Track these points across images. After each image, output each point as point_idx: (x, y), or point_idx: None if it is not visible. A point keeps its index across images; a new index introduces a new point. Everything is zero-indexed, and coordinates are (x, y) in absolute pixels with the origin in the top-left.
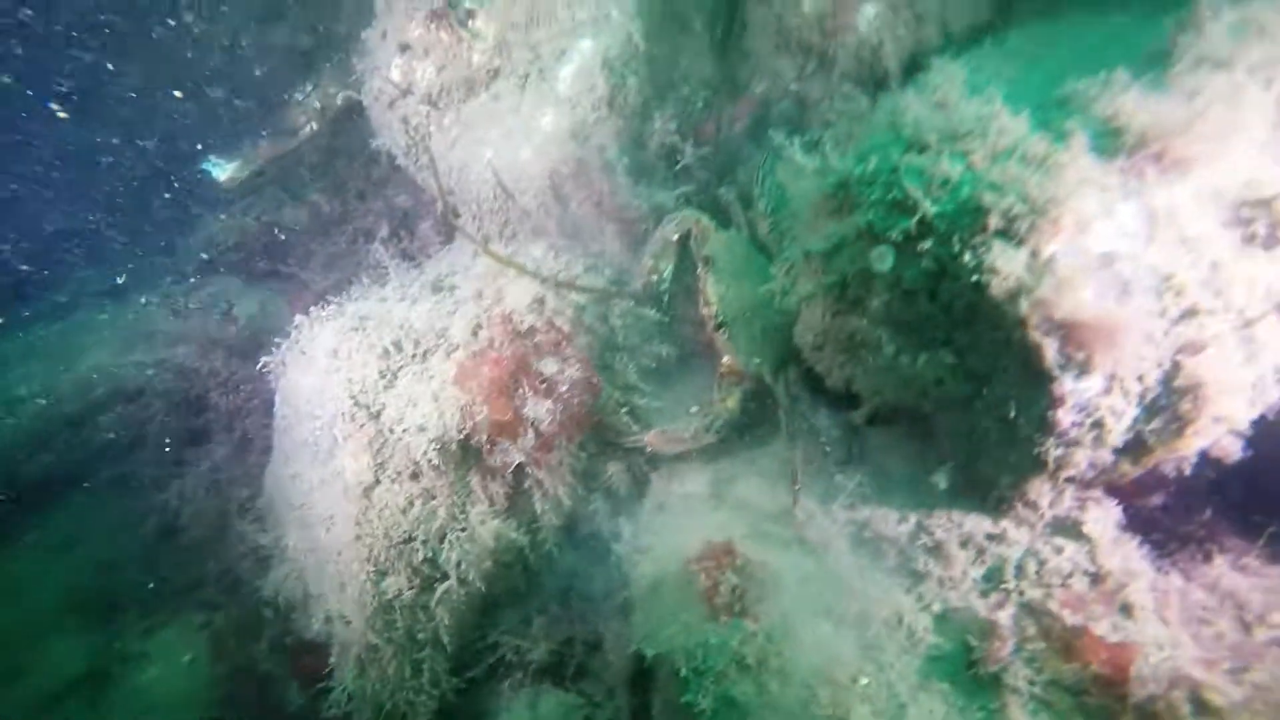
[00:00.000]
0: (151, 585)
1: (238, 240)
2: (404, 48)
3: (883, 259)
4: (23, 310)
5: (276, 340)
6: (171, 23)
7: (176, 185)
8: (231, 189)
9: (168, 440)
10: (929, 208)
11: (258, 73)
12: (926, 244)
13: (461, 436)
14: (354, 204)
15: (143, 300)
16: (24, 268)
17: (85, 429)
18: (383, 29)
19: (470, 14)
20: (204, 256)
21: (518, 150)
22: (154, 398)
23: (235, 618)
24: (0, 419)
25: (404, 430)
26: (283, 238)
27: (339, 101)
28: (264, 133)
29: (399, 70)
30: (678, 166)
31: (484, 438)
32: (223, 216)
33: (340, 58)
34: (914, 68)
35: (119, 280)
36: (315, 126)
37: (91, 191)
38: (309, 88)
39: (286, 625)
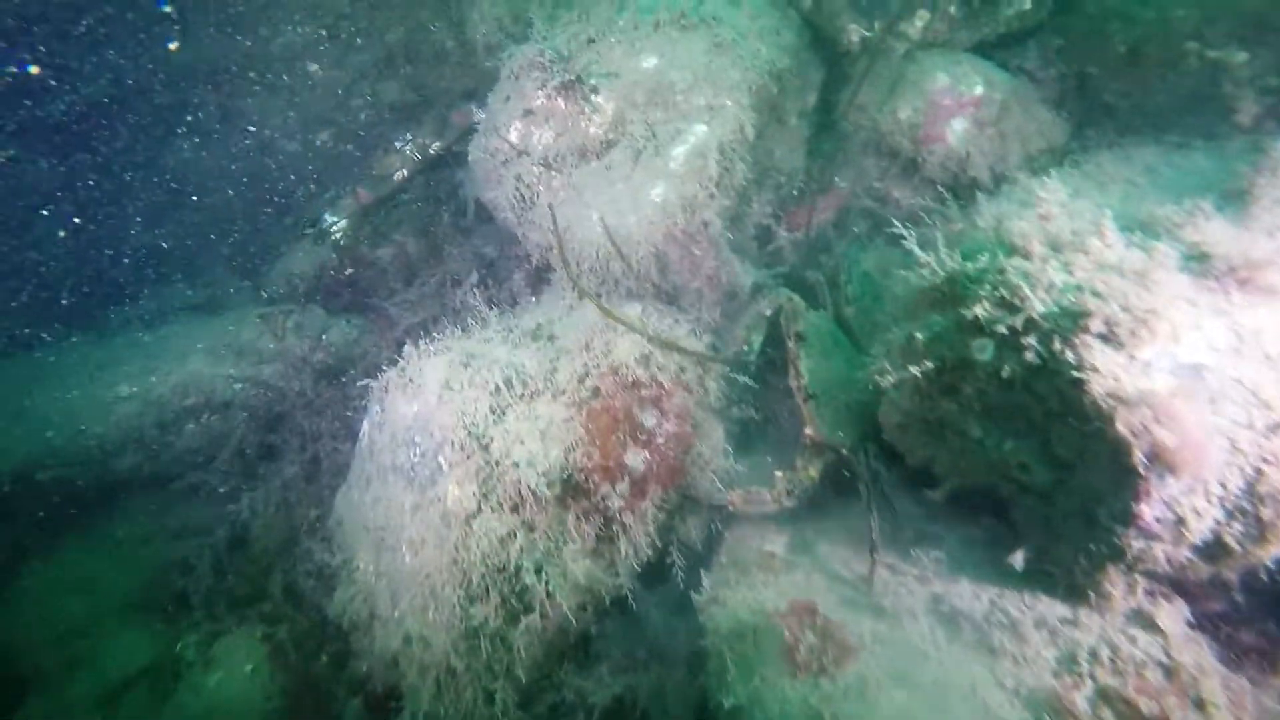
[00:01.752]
0: (217, 592)
1: (325, 272)
2: (526, 113)
3: (984, 350)
4: (119, 315)
5: (364, 367)
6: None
7: (272, 216)
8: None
9: (245, 452)
10: (1036, 307)
11: (363, 118)
12: (1029, 340)
13: (565, 475)
14: (441, 249)
15: (236, 318)
16: (121, 278)
17: (173, 433)
18: (506, 94)
19: (594, 89)
20: (291, 284)
21: (624, 216)
22: (239, 411)
23: (298, 633)
24: (103, 413)
25: (512, 463)
26: (369, 273)
27: (432, 152)
28: (360, 178)
29: (517, 133)
30: (770, 247)
31: (586, 479)
32: (312, 248)
33: (438, 113)
34: (996, 179)
35: (208, 297)
36: (407, 173)
37: (193, 214)
38: (408, 137)
39: (348, 644)
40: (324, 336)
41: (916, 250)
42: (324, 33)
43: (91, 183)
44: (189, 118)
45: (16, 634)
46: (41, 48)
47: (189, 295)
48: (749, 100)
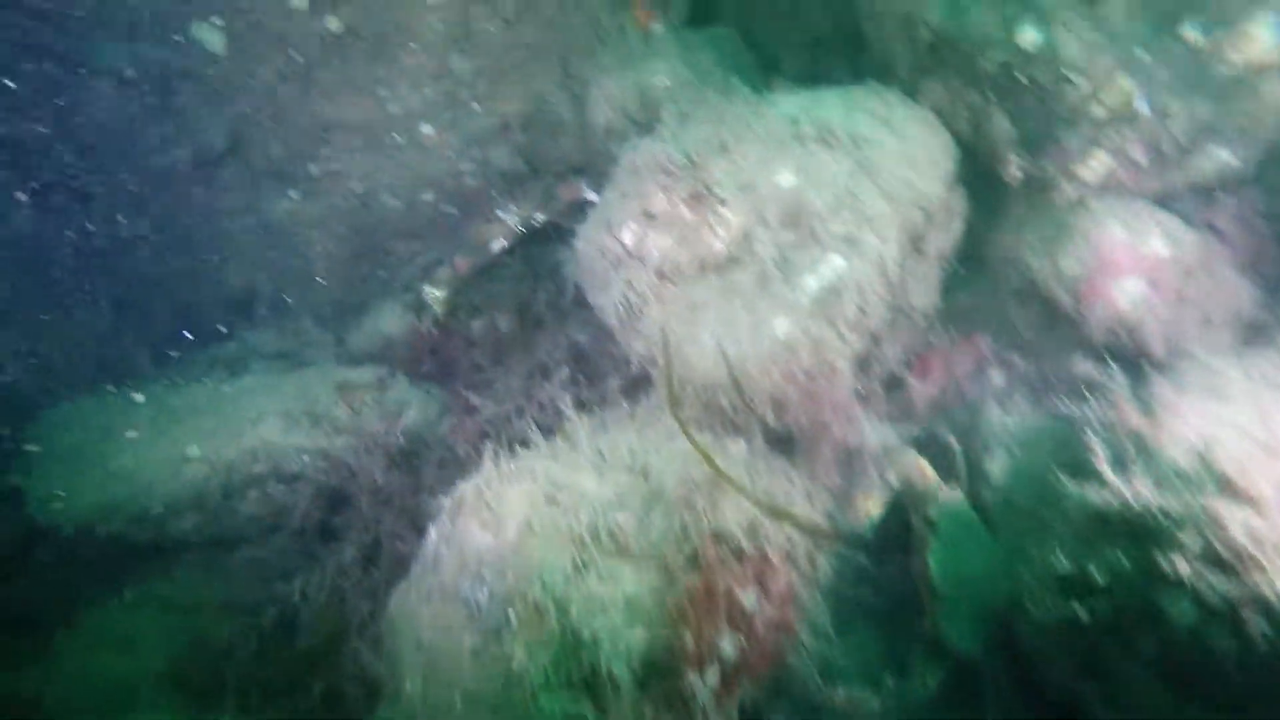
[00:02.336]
0: (255, 680)
1: (413, 337)
2: (645, 215)
3: (1183, 613)
4: (204, 357)
5: (439, 458)
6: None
7: (367, 271)
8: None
9: (305, 530)
10: (1268, 581)
11: (470, 182)
12: (1253, 615)
13: (649, 659)
14: (534, 331)
15: (317, 376)
16: (215, 321)
17: (236, 499)
18: (624, 190)
19: (723, 201)
20: (377, 343)
21: (742, 345)
22: (305, 484)
23: None
24: (172, 473)
25: (591, 637)
26: (456, 344)
27: (535, 224)
28: (459, 245)
29: (632, 234)
30: (898, 398)
31: (672, 663)
32: (402, 311)
33: (545, 184)
34: (1170, 351)
35: (293, 347)
36: (506, 244)
37: (289, 261)
38: (511, 207)
39: None
40: (402, 417)
41: (1105, 469)
42: (443, 97)
43: (191, 226)
44: (297, 169)
45: (54, 686)
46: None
47: (274, 343)
48: (894, 235)
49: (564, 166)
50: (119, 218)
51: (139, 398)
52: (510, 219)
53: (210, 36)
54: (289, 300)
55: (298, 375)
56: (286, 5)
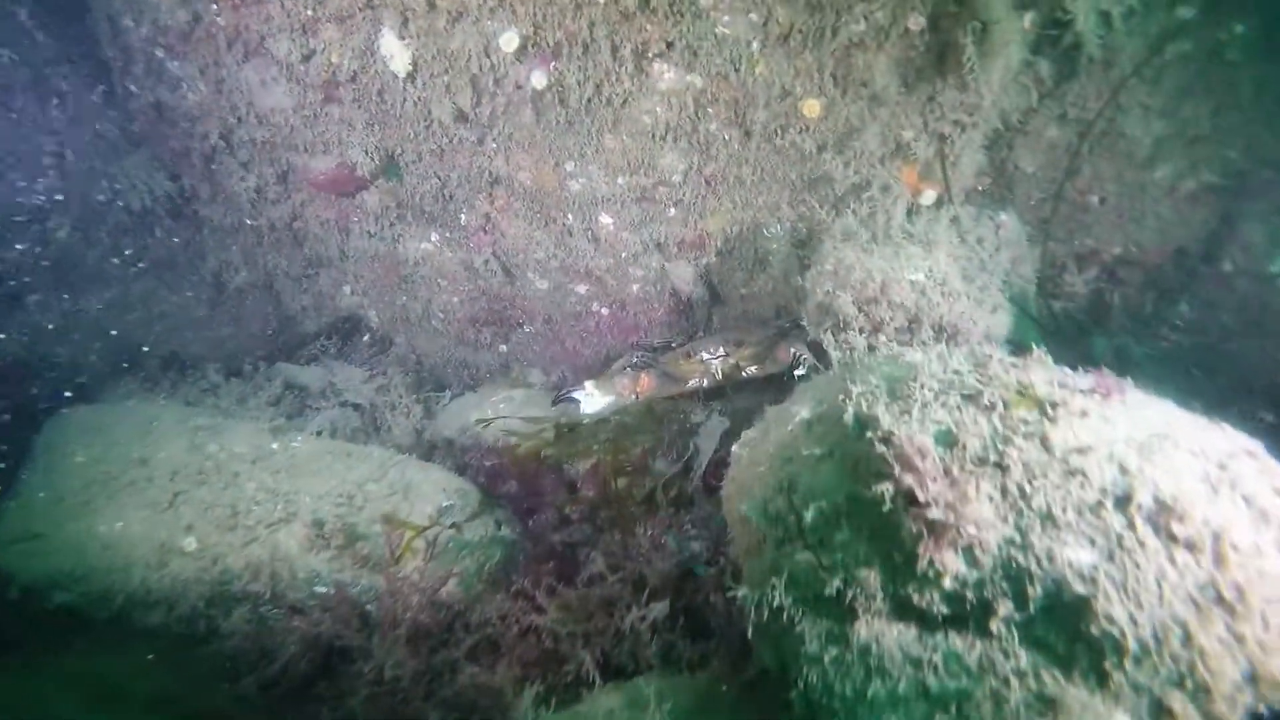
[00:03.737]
0: None
1: (503, 448)
2: None
3: None
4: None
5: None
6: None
7: (480, 343)
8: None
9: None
10: None
11: (635, 291)
12: None
13: None
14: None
15: (375, 465)
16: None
17: (217, 612)
18: None
19: None
20: (461, 435)
21: None
22: (303, 624)
23: None
24: (158, 561)
25: None
26: (548, 482)
27: (744, 375)
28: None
29: None
30: None
31: None
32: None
33: (769, 338)
34: None
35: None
36: (707, 384)
37: (403, 302)
38: (720, 351)
39: None
40: (450, 579)
41: None
42: (637, 191)
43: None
44: (446, 213)
45: None
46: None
47: (356, 388)
48: None
49: (766, 319)
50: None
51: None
52: (716, 363)
53: (396, 51)
54: (394, 340)
55: (358, 455)
56: (492, 43)
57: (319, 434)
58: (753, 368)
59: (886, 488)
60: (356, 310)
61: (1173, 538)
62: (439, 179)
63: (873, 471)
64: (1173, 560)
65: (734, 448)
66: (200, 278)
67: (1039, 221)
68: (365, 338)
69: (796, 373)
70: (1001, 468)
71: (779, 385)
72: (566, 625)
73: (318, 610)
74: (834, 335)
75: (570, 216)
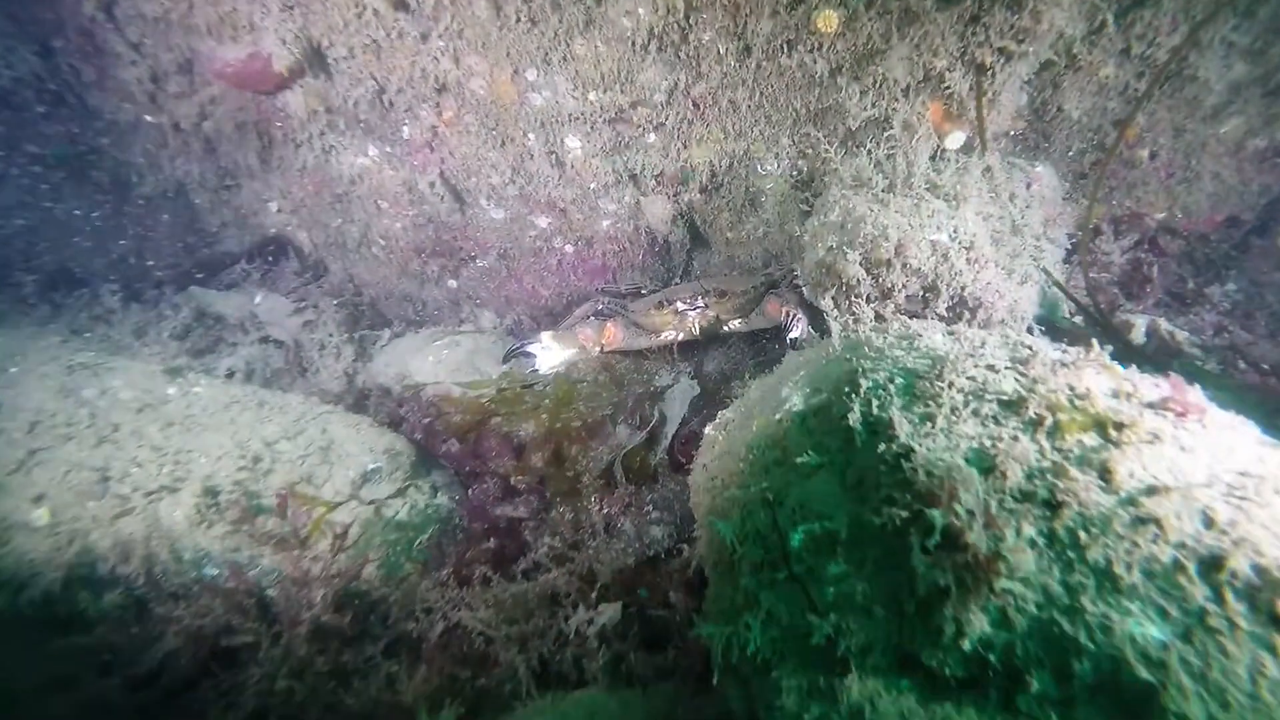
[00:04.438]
0: None
1: (439, 402)
2: None
3: None
4: (183, 308)
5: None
6: None
7: (425, 278)
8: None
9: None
10: None
11: (605, 227)
12: None
13: None
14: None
15: (292, 418)
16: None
17: (79, 595)
18: None
19: None
20: (396, 385)
21: None
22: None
23: None
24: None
25: None
26: (493, 446)
27: (724, 329)
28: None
29: None
30: None
31: None
32: (450, 352)
33: (755, 288)
34: None
35: (298, 340)
36: (682, 338)
37: (338, 225)
38: (700, 303)
39: None
40: (375, 547)
41: None
42: (612, 111)
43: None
44: (387, 127)
45: None
46: None
47: (282, 318)
48: None
49: (754, 268)
50: None
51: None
52: (693, 315)
53: None
54: (329, 268)
55: (274, 406)
56: None
57: (230, 376)
58: (736, 322)
59: (899, 516)
60: (284, 231)
61: (1277, 622)
62: (376, 82)
63: (883, 494)
64: (1274, 651)
65: (708, 429)
66: (94, 181)
67: (1076, 176)
68: (293, 263)
69: (789, 335)
70: (1051, 506)
71: (766, 346)
72: (499, 627)
73: (206, 597)
74: (836, 301)
75: (531, 136)
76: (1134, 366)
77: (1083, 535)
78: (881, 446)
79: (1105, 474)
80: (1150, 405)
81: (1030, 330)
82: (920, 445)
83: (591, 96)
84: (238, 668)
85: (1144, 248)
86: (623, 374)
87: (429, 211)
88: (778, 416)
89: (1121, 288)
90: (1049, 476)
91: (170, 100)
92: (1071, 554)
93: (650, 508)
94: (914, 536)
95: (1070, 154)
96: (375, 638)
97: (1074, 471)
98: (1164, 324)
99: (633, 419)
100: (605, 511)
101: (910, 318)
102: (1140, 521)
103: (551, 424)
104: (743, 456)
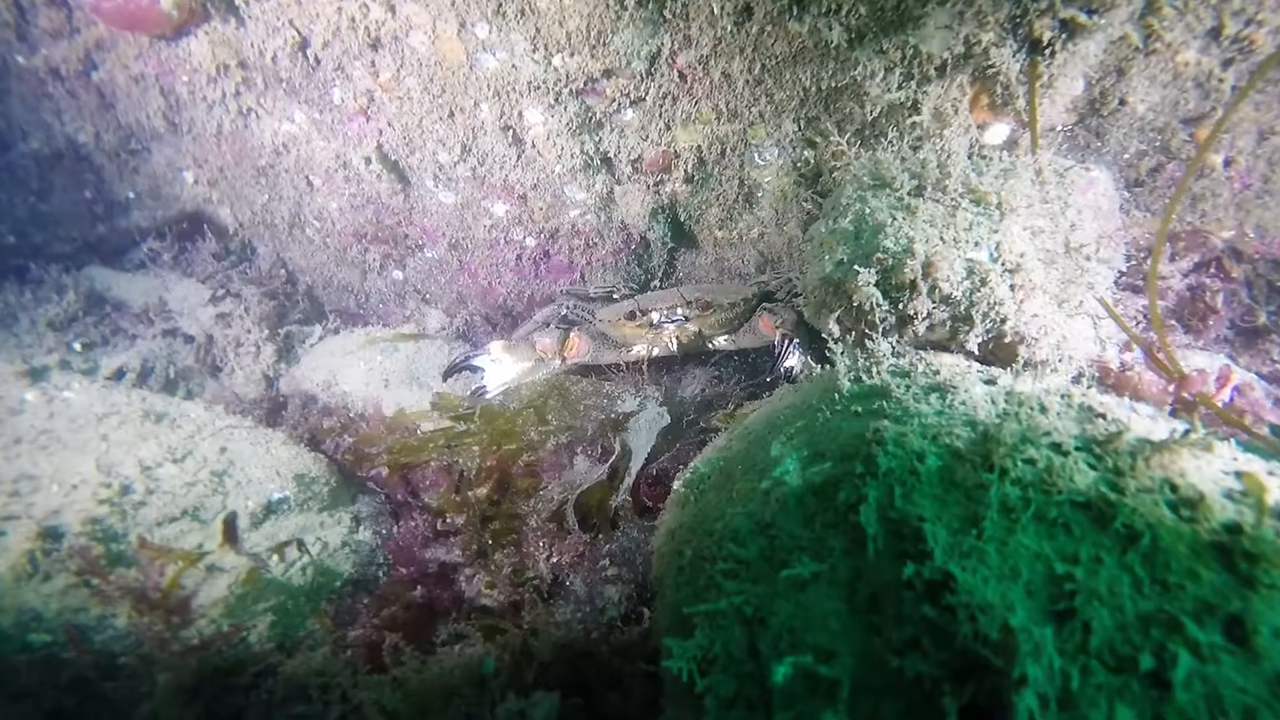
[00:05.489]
0: None
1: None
2: None
3: None
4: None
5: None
6: None
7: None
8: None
9: None
10: None
11: (573, 218)
12: None
13: None
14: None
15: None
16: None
17: None
18: None
19: None
20: (321, 390)
21: None
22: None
23: None
24: None
25: None
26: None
27: (712, 345)
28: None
29: None
30: None
31: None
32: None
33: (745, 302)
34: None
35: (211, 334)
36: (656, 353)
37: (259, 199)
38: (680, 314)
39: None
40: (255, 613)
41: None
42: (581, 80)
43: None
44: (313, 85)
45: None
46: None
47: (196, 308)
48: None
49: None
50: None
51: None
52: (670, 328)
53: None
54: (257, 250)
55: (165, 417)
56: None
57: (119, 377)
58: (721, 339)
59: (930, 673)
60: (203, 206)
61: None
62: (296, 31)
63: (907, 634)
64: None
65: (676, 484)
66: None
67: (1130, 184)
68: (211, 244)
69: (782, 364)
70: (1160, 683)
71: (758, 365)
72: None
73: (28, 672)
74: (843, 328)
75: (484, 107)
76: (1232, 441)
77: None
78: (907, 565)
79: (1237, 634)
80: None
81: (1080, 377)
82: (964, 571)
83: (556, 61)
84: None
85: (1208, 272)
86: (577, 397)
87: (367, 191)
88: (765, 485)
89: (1178, 318)
90: (1154, 632)
91: (45, 39)
92: None
93: (607, 561)
94: (949, 699)
95: (1126, 156)
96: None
97: (1191, 628)
98: (1237, 371)
99: (593, 449)
100: (554, 561)
101: (933, 348)
102: None
103: (498, 452)
104: (718, 537)
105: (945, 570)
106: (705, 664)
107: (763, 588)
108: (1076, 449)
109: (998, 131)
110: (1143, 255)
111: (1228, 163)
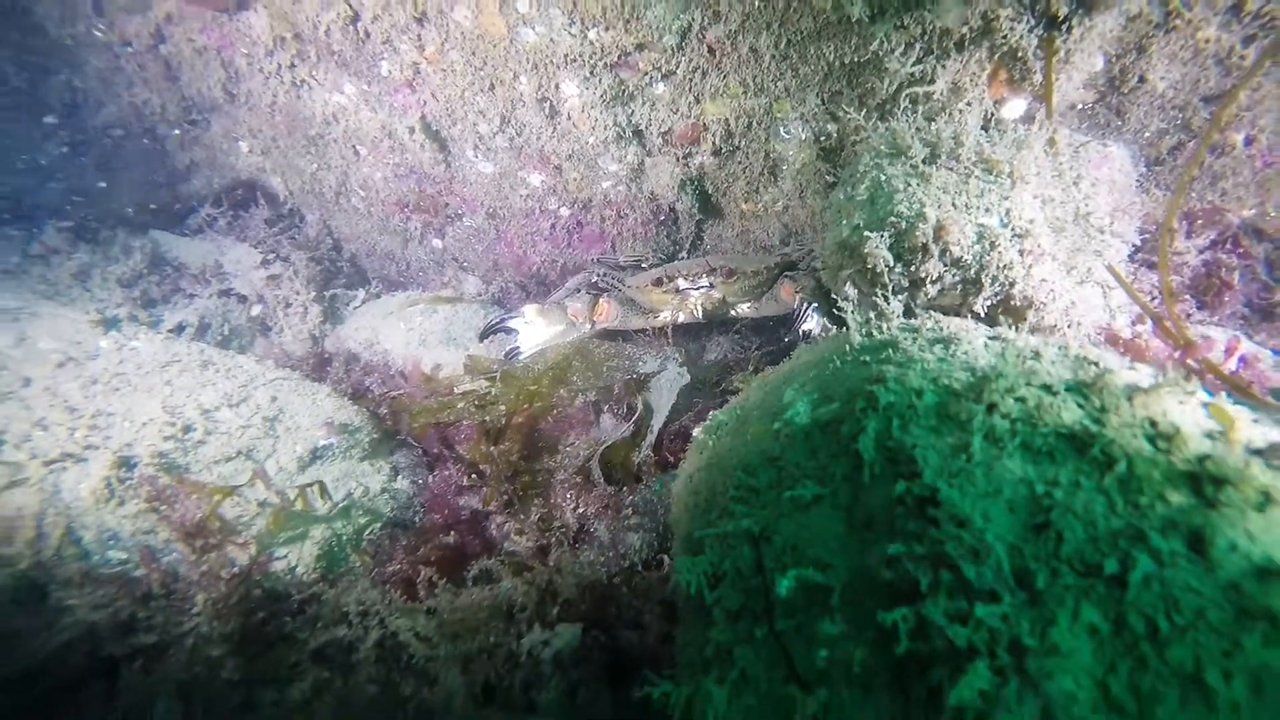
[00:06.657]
0: None
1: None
2: None
3: None
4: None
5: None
6: None
7: (407, 235)
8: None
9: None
10: None
11: (605, 189)
12: None
13: None
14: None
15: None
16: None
17: None
18: None
19: None
20: (364, 350)
21: None
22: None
23: None
24: None
25: None
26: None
27: (734, 313)
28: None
29: None
30: None
31: None
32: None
33: (768, 269)
34: None
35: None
36: (682, 319)
37: (310, 169)
38: (705, 283)
39: None
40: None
41: None
42: (615, 54)
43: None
44: (363, 61)
45: None
46: None
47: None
48: None
49: (770, 246)
50: None
51: None
52: (696, 295)
53: None
54: (305, 217)
55: (220, 367)
56: None
57: (179, 331)
58: (744, 306)
59: (914, 580)
60: (257, 174)
61: None
62: (349, 6)
63: (896, 547)
64: None
65: (696, 431)
66: (46, 103)
67: (1151, 162)
68: (264, 210)
69: (800, 326)
70: (1122, 584)
71: (777, 334)
72: (439, 645)
73: (107, 585)
74: (856, 289)
75: (523, 80)
76: (1223, 395)
77: (1163, 626)
78: (900, 484)
79: (1197, 546)
80: (1258, 452)
81: (1089, 340)
82: (949, 487)
83: (591, 35)
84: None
85: (1224, 248)
86: (600, 358)
87: (410, 161)
88: (776, 425)
89: (1193, 293)
90: (1120, 543)
91: (120, 14)
92: (1146, 649)
93: (630, 511)
94: (933, 605)
95: (1147, 135)
96: (302, 643)
97: (1155, 539)
98: (1245, 343)
99: (619, 408)
100: (580, 511)
101: (943, 313)
102: (1246, 616)
103: (529, 409)
104: (730, 471)
105: (933, 486)
106: (714, 580)
107: (769, 511)
108: (1066, 390)
109: (1015, 106)
110: (1159, 232)
111: (1249, 141)
